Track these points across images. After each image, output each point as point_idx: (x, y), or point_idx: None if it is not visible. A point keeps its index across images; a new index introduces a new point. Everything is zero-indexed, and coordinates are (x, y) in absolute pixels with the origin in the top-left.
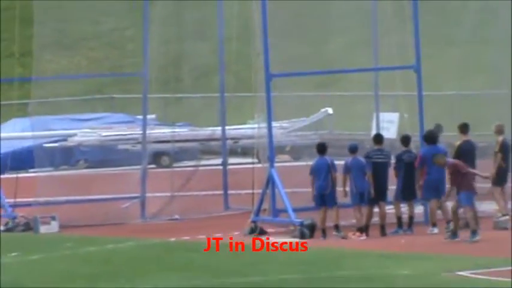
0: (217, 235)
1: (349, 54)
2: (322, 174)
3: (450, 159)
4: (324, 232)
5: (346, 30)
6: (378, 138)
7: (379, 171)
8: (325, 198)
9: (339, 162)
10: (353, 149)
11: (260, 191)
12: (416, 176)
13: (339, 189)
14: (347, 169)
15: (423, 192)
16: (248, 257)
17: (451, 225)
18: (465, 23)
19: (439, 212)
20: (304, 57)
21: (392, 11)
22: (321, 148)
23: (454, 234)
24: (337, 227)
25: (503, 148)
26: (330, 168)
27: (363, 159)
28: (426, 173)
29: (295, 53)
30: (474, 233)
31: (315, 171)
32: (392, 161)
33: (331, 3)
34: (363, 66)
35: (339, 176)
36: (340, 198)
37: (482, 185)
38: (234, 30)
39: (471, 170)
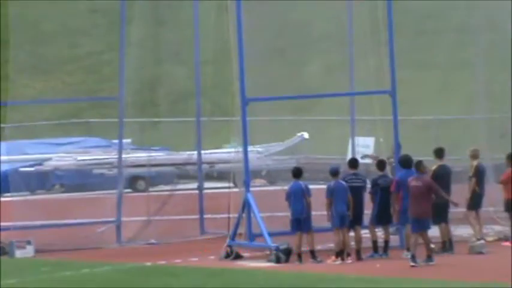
0: (193, 259)
1: (326, 77)
2: (298, 199)
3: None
4: (299, 256)
5: (323, 53)
6: (353, 163)
7: (354, 196)
8: (300, 223)
9: (315, 187)
10: (334, 172)
11: (236, 215)
12: (392, 201)
13: (322, 213)
14: (331, 193)
15: (400, 216)
16: (224, 280)
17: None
18: (442, 47)
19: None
20: (281, 81)
21: (369, 35)
22: (296, 172)
23: (428, 258)
24: (313, 253)
25: (478, 173)
26: (305, 192)
27: (344, 183)
28: (402, 198)
29: (272, 77)
30: (429, 257)
31: (290, 195)
32: (368, 185)
33: (309, 25)
34: (340, 89)
35: (314, 200)
36: (325, 222)
37: (457, 209)
38: (210, 54)
39: (443, 194)
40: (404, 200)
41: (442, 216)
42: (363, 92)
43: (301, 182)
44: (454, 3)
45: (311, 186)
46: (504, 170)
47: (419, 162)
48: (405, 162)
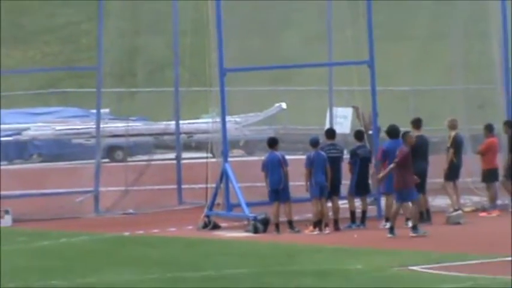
0: (171, 229)
1: (304, 48)
2: (275, 169)
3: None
4: (277, 227)
5: (302, 24)
6: (330, 133)
7: (332, 166)
8: (278, 193)
9: (293, 157)
10: (314, 143)
11: (214, 185)
12: (374, 169)
13: (300, 183)
14: (310, 163)
15: (384, 186)
16: (202, 250)
17: (409, 223)
18: (421, 18)
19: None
20: (259, 52)
21: (347, 6)
22: (272, 142)
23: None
24: (290, 223)
25: (456, 143)
26: (281, 162)
27: (323, 153)
28: (387, 167)
29: (250, 47)
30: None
31: (266, 166)
32: (346, 155)
33: None
34: (318, 60)
35: (292, 170)
36: (304, 192)
37: (435, 180)
38: (188, 24)
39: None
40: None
41: (420, 186)
42: (341, 63)
43: (278, 153)
44: None
45: (289, 157)
46: (482, 140)
47: (406, 133)
48: (393, 132)
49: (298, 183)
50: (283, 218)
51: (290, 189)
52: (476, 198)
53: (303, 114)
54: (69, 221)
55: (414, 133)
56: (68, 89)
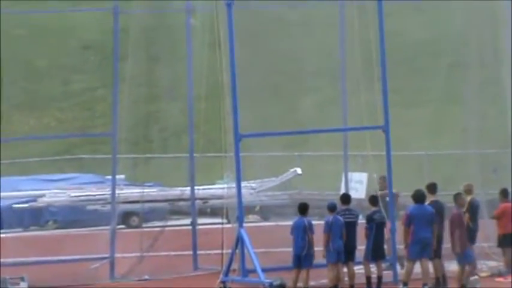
0: None
1: (319, 113)
2: (299, 235)
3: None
4: None
5: (316, 88)
6: (345, 198)
7: (347, 231)
8: (300, 259)
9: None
10: (332, 208)
11: (229, 251)
12: (402, 235)
13: (320, 248)
14: (329, 227)
15: (409, 251)
16: None
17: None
18: (435, 83)
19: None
20: (274, 116)
21: (361, 71)
22: (301, 208)
23: None
24: None
25: (472, 208)
26: (307, 229)
27: (341, 218)
28: (413, 232)
29: (265, 112)
30: None
31: (293, 230)
32: (361, 220)
33: (302, 61)
34: (333, 125)
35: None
36: (321, 258)
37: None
38: (203, 90)
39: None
40: (415, 235)
41: (436, 251)
42: (356, 128)
43: (305, 219)
44: (445, 38)
45: None
46: (497, 205)
47: (458, 195)
48: (418, 197)
49: (315, 249)
50: (300, 284)
51: (313, 256)
52: (492, 263)
53: (318, 179)
54: (85, 287)
55: (429, 198)
56: (83, 155)
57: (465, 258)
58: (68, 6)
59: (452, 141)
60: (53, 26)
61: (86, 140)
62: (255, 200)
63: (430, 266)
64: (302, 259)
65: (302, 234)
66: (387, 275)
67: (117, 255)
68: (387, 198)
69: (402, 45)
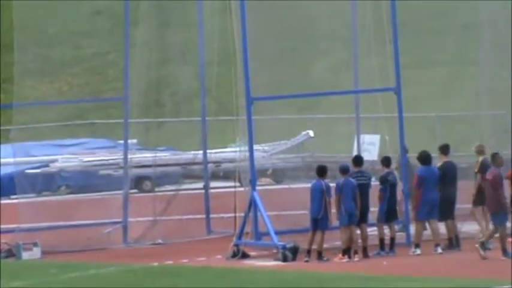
0: (201, 259)
1: (331, 76)
2: (316, 198)
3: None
4: (308, 253)
5: (329, 52)
6: (357, 160)
7: (360, 193)
8: (317, 222)
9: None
10: (344, 170)
11: (242, 214)
12: (406, 196)
13: (332, 211)
14: (340, 190)
15: (418, 212)
16: (232, 279)
17: (439, 249)
18: (446, 45)
19: (425, 232)
20: (286, 80)
21: (373, 34)
22: (319, 171)
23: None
24: (320, 253)
25: (484, 169)
26: (324, 192)
27: (353, 180)
28: (422, 194)
29: (277, 76)
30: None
31: (311, 193)
32: (374, 182)
33: (313, 25)
34: (344, 88)
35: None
36: (333, 221)
37: (463, 205)
38: (215, 54)
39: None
40: (424, 196)
41: (449, 212)
42: (368, 90)
43: (323, 181)
44: (457, 2)
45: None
46: (510, 165)
47: (496, 154)
48: (425, 159)
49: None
50: (314, 246)
51: (330, 219)
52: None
53: (331, 141)
54: (98, 252)
55: (442, 159)
56: (95, 120)
57: (503, 219)
58: None
59: (465, 102)
60: None
61: (97, 105)
62: (268, 163)
63: (441, 227)
64: (319, 222)
65: (319, 197)
66: (400, 237)
67: (130, 219)
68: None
69: (414, 5)
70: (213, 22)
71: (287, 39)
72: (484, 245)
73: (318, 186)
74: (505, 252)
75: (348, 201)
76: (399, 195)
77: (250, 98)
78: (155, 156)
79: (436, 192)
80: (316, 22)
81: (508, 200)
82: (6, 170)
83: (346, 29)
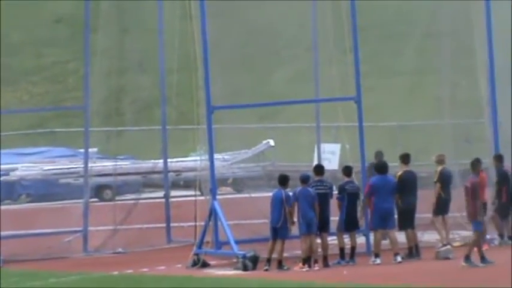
0: (161, 268)
1: (292, 85)
2: (276, 207)
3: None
4: (268, 261)
5: (290, 60)
6: (318, 169)
7: (320, 202)
8: (276, 231)
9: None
10: (304, 179)
11: (203, 223)
12: (362, 205)
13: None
14: (295, 198)
15: (372, 221)
16: None
17: (398, 258)
18: (407, 53)
19: (384, 242)
20: (247, 88)
21: (333, 40)
22: (281, 180)
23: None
24: (280, 262)
25: (442, 178)
26: (284, 201)
27: (311, 189)
28: (374, 203)
29: (237, 85)
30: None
31: (271, 202)
32: (335, 192)
33: (275, 33)
34: (305, 96)
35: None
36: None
37: (424, 215)
38: (175, 62)
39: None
40: (377, 206)
41: (409, 221)
42: (329, 99)
43: (283, 191)
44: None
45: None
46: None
47: (476, 161)
48: (380, 168)
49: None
50: (274, 255)
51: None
52: (465, 233)
53: (291, 150)
54: (59, 261)
55: (402, 168)
56: (55, 129)
57: (477, 227)
58: None
59: (425, 111)
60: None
61: (58, 114)
62: (228, 172)
63: (401, 236)
64: (278, 231)
65: (279, 206)
66: (360, 246)
67: (91, 228)
68: None
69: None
70: (173, 28)
71: (247, 46)
72: (468, 259)
73: (278, 195)
74: (483, 259)
75: (306, 210)
76: (359, 204)
77: (210, 107)
78: (116, 165)
79: (391, 201)
80: (277, 29)
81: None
82: None
83: (307, 34)
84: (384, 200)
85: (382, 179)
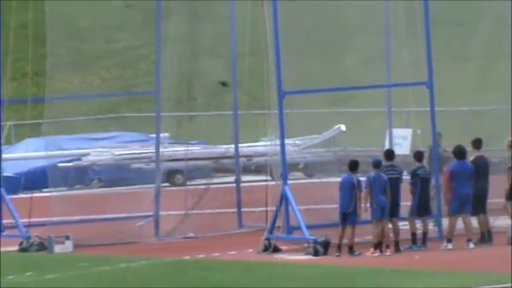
0: (232, 253)
1: (363, 70)
2: (346, 192)
3: None
4: (339, 248)
5: (360, 45)
6: (389, 154)
7: (391, 187)
8: (346, 217)
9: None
10: (376, 164)
11: (274, 208)
12: (443, 190)
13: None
14: (370, 183)
15: (451, 206)
16: (263, 273)
17: (471, 244)
18: (479, 38)
19: (458, 227)
20: (318, 73)
21: (405, 26)
22: (351, 165)
23: None
24: (351, 247)
25: None
26: (355, 186)
27: (384, 175)
28: (454, 188)
29: (309, 69)
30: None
31: (340, 187)
32: (405, 176)
33: (346, 18)
34: (376, 81)
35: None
36: (362, 214)
37: (496, 200)
38: (247, 47)
39: None
40: (456, 191)
41: (481, 206)
42: (400, 84)
43: (354, 176)
44: None
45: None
46: None
47: None
48: (460, 153)
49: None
50: (345, 241)
51: (359, 213)
52: None
53: (362, 135)
54: (130, 245)
55: (474, 153)
56: (127, 114)
57: None
58: None
59: (497, 96)
60: None
61: (129, 99)
62: (299, 157)
63: (473, 221)
64: (348, 216)
65: (349, 191)
66: (432, 231)
67: (162, 213)
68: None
69: None
70: (244, 15)
71: (318, 31)
72: None
73: (348, 180)
74: None
75: (379, 195)
76: (431, 189)
77: (281, 91)
78: (187, 150)
79: (469, 187)
80: (348, 14)
81: None
82: (38, 164)
83: (378, 21)
84: (463, 185)
85: (461, 164)
